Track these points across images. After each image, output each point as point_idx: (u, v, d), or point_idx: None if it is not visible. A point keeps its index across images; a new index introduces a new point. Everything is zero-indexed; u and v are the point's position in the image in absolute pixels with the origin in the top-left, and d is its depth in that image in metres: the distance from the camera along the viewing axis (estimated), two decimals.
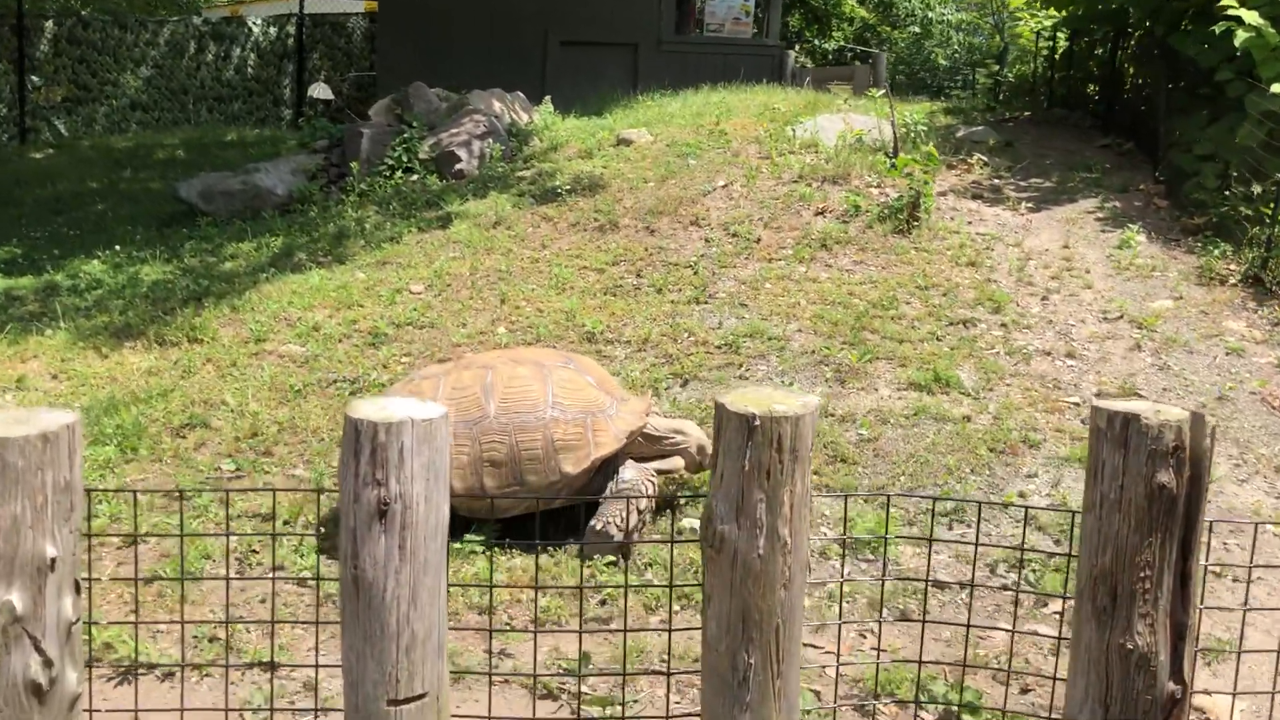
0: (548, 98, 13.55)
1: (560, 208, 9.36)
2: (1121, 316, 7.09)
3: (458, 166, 10.95)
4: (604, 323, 7.05)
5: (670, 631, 3.02)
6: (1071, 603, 4.25)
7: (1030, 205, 9.23)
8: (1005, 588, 4.25)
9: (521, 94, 13.22)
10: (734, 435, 2.33)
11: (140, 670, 3.62)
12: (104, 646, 3.74)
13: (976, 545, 3.23)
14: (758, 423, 2.30)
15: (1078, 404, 5.98)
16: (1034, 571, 4.36)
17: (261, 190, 11.11)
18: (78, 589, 2.47)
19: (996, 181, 9.89)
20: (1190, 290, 7.49)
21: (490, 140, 11.28)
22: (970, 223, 8.77)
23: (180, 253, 9.76)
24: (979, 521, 4.07)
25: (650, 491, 4.70)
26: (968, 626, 2.97)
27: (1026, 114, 13.17)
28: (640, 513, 4.62)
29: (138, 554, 3.14)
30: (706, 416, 5.80)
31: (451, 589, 4.32)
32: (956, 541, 4.41)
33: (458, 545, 4.61)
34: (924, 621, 3.13)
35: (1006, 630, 3.75)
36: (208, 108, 21.18)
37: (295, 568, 4.46)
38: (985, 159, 10.36)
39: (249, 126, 20.60)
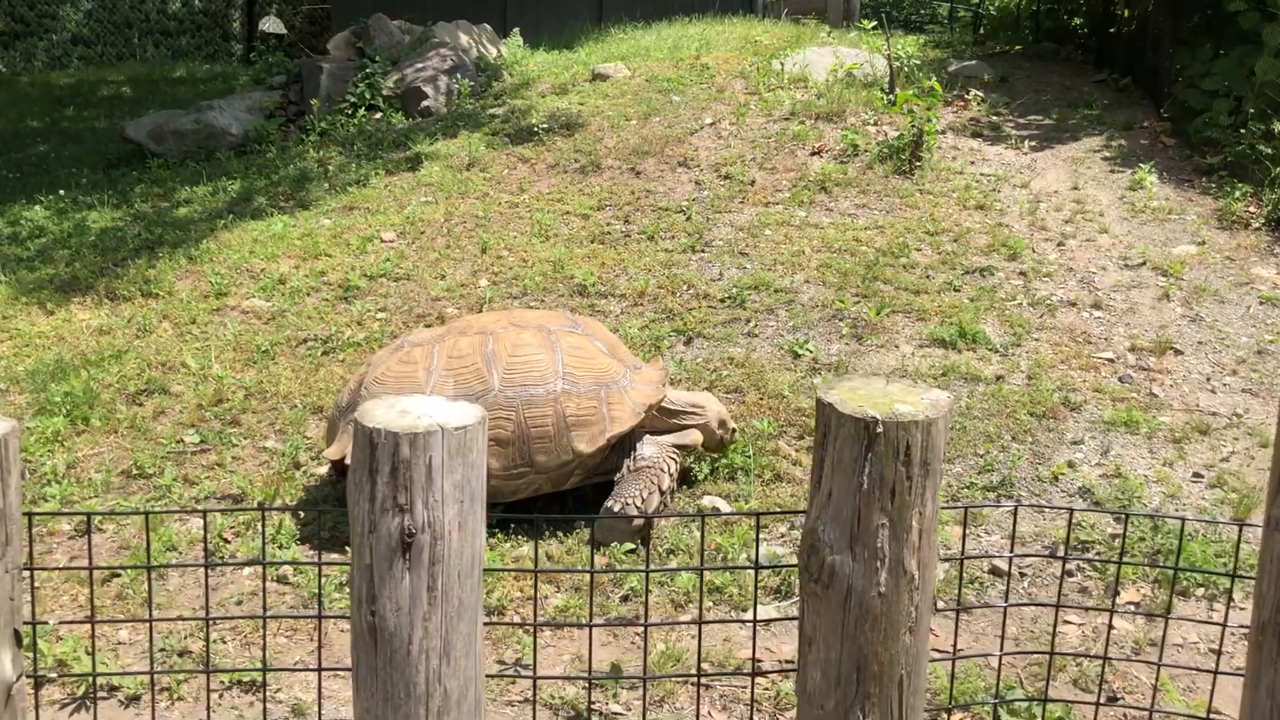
0: (516, 30, 12.89)
1: (537, 148, 8.80)
2: (1144, 263, 6.68)
3: (424, 104, 10.32)
4: (595, 274, 6.53)
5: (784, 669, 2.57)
6: (1147, 591, 3.87)
7: (1033, 144, 8.77)
8: (1069, 574, 3.84)
9: (489, 26, 12.54)
10: (848, 444, 1.86)
11: (100, 694, 3.13)
12: (56, 664, 3.25)
13: (1012, 554, 2.80)
14: (880, 429, 1.83)
15: (1112, 360, 5.57)
16: (1098, 554, 3.95)
17: (216, 129, 10.43)
18: (19, 640, 1.97)
19: (995, 119, 9.41)
20: (1213, 234, 7.08)
21: (458, 75, 10.64)
22: (973, 163, 8.31)
23: (130, 197, 9.11)
24: (1016, 524, 3.64)
25: (673, 470, 4.23)
26: (1105, 658, 2.54)
27: (1017, 48, 12.67)
28: (662, 493, 4.15)
29: (93, 593, 2.65)
30: (717, 379, 5.34)
31: None
32: (1037, 556, 3.99)
33: None
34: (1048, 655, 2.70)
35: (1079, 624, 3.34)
36: (154, 42, 20.23)
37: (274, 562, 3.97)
38: (982, 95, 9.87)
39: (198, 62, 19.68)
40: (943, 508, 2.01)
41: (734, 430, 4.61)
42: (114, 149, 11.28)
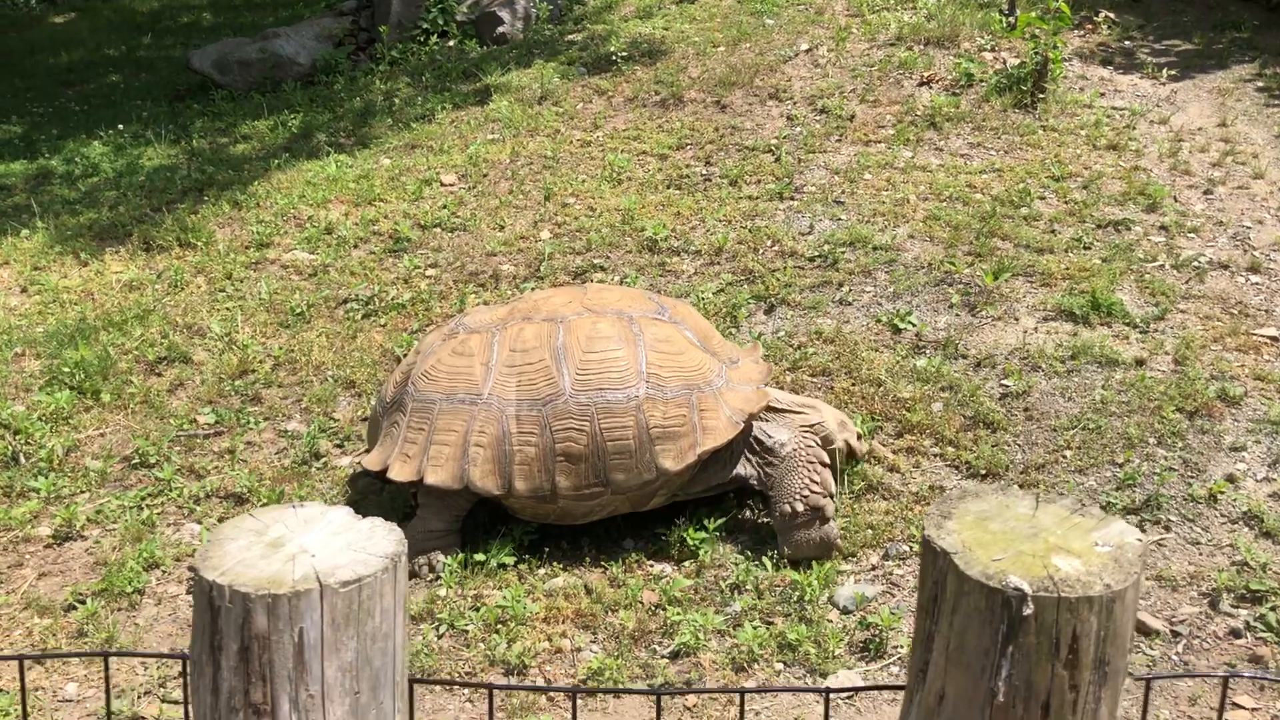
0: None
1: (615, 78, 8.03)
2: None
3: (500, 30, 9.59)
4: (668, 226, 5.80)
5: None
6: None
7: (1173, 73, 7.74)
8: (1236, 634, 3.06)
9: None
10: (974, 625, 1.14)
11: None
12: None
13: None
14: (1029, 609, 1.11)
15: (1276, 338, 4.70)
16: (1273, 609, 3.16)
17: (282, 59, 9.84)
18: None
19: (1128, 44, 8.38)
20: None
21: None
22: (1104, 95, 7.34)
23: (189, 132, 8.61)
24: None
25: (823, 458, 3.50)
26: None
27: None
28: (827, 468, 3.45)
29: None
30: (802, 358, 4.60)
31: (468, 630, 3.23)
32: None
33: (482, 558, 3.49)
34: None
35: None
36: None
37: None
38: (1113, 17, 8.80)
39: None
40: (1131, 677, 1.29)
41: (860, 435, 3.86)
42: (183, 79, 10.81)
